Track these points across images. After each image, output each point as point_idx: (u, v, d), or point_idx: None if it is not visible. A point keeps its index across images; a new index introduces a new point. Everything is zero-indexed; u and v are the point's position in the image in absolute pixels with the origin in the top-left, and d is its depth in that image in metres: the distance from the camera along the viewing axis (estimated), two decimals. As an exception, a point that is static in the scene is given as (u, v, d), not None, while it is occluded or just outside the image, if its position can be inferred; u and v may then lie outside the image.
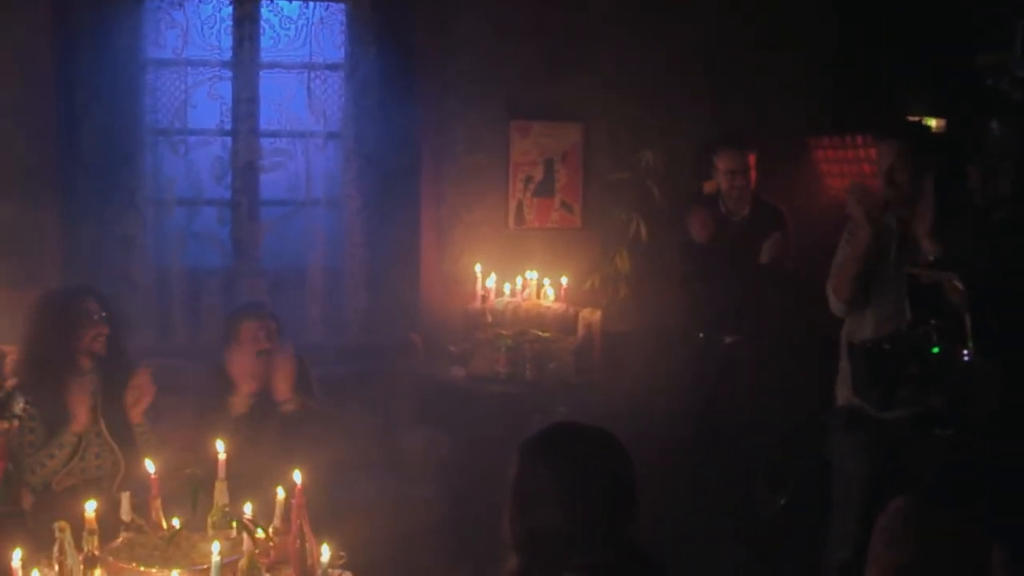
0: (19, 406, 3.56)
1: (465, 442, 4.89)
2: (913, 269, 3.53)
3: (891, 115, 5.81)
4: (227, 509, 3.36)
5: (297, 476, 3.24)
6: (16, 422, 3.58)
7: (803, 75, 5.94)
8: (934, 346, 3.35)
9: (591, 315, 5.25)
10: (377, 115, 5.42)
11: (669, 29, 5.75)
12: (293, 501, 3.21)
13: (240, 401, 4.18)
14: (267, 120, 5.37)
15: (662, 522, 2.41)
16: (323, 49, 5.39)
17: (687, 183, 5.61)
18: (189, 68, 5.25)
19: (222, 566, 2.84)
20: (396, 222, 5.54)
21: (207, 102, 5.30)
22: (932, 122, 6.05)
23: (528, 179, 5.77)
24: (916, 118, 5.96)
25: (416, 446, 4.83)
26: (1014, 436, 3.34)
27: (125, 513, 3.36)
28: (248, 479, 3.46)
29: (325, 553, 3.18)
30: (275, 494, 3.38)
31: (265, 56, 5.33)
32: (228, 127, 5.31)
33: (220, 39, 5.27)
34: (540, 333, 5.15)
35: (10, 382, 3.91)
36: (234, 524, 3.31)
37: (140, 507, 3.43)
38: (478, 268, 5.41)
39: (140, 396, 4.00)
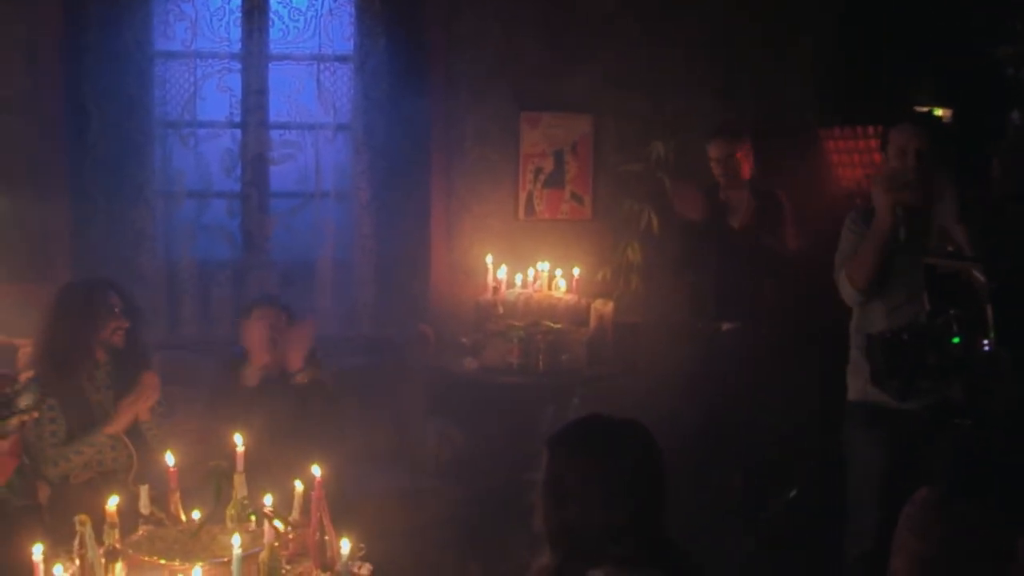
0: (26, 402, 3.54)
1: (478, 434, 4.89)
2: (931, 259, 3.50)
3: (901, 105, 5.82)
4: (246, 502, 3.36)
5: (316, 470, 3.24)
6: (31, 415, 3.56)
7: (812, 66, 5.92)
8: (954, 336, 3.33)
9: (603, 306, 5.24)
10: (387, 107, 5.40)
11: (678, 21, 5.74)
12: (313, 494, 3.21)
13: (252, 373, 4.18)
14: (276, 112, 5.35)
15: (669, 516, 2.40)
16: (332, 41, 5.37)
17: (698, 174, 5.59)
18: (198, 60, 5.23)
19: (243, 559, 2.84)
20: (406, 214, 5.53)
21: (216, 94, 5.28)
22: (939, 112, 6.05)
23: (538, 170, 5.76)
24: (924, 108, 5.97)
25: (428, 438, 4.82)
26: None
27: (144, 506, 3.36)
28: (267, 463, 3.47)
29: (345, 546, 3.18)
30: (294, 487, 3.38)
31: (274, 48, 5.31)
32: (237, 119, 5.29)
33: (229, 31, 5.25)
34: (552, 324, 5.14)
35: (24, 375, 3.90)
36: (252, 517, 3.31)
37: (157, 500, 3.43)
38: (489, 259, 5.40)
39: (146, 395, 3.99)
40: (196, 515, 3.29)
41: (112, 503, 3.03)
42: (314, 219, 5.42)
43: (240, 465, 3.39)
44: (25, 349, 4.45)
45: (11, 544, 3.30)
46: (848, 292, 3.86)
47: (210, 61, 5.25)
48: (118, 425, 3.96)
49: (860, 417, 3.86)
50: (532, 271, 5.44)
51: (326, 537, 3.20)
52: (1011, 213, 3.84)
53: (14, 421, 3.41)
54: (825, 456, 5.28)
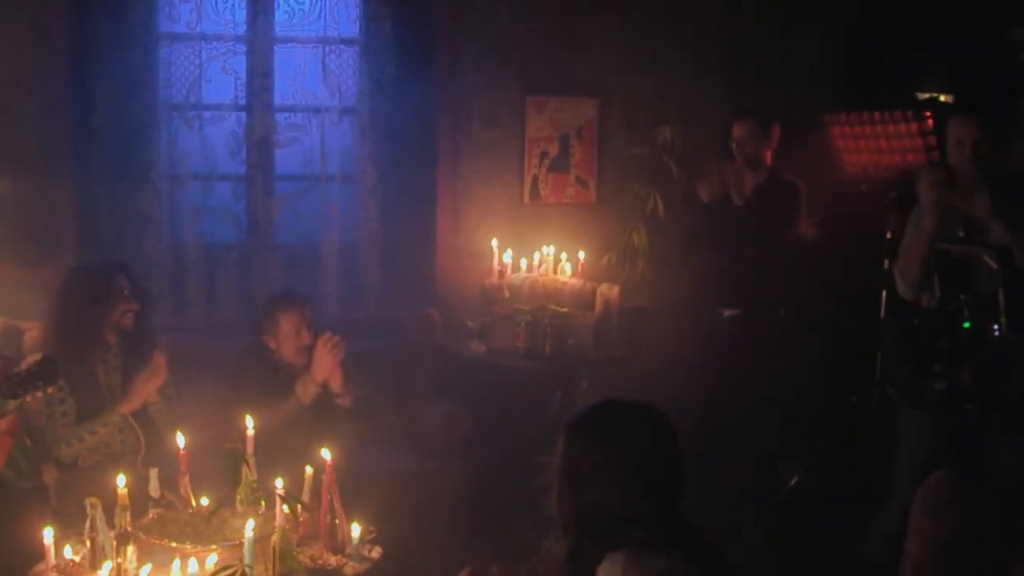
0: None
1: (485, 417, 4.89)
2: (943, 245, 3.51)
3: (906, 91, 5.81)
4: (255, 485, 3.36)
5: (326, 453, 3.24)
6: (36, 396, 3.56)
7: (819, 52, 5.91)
8: (965, 321, 3.34)
9: (609, 290, 5.23)
10: (392, 90, 5.38)
11: (685, 6, 5.72)
12: (323, 477, 3.22)
13: (307, 390, 4.14)
14: (282, 95, 5.32)
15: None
16: (338, 24, 5.34)
17: (704, 159, 5.58)
18: (203, 43, 5.19)
19: (255, 542, 2.84)
20: (411, 197, 5.52)
21: (221, 77, 5.24)
22: (944, 98, 6.05)
23: (543, 154, 5.75)
24: (927, 95, 5.97)
25: (436, 421, 4.82)
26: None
27: (154, 489, 3.36)
28: (287, 457, 3.47)
29: (355, 530, 3.19)
30: (303, 470, 3.38)
31: (280, 31, 5.28)
32: (243, 102, 5.27)
33: (234, 13, 5.21)
34: (558, 308, 5.14)
35: (30, 358, 3.90)
36: (263, 501, 3.32)
37: (166, 483, 3.43)
38: (495, 243, 5.39)
39: (154, 376, 3.98)
40: (204, 501, 3.29)
41: (121, 483, 3.04)
42: (319, 202, 5.41)
43: (250, 448, 3.39)
44: (31, 332, 4.45)
45: (18, 527, 3.31)
46: (899, 286, 3.86)
47: (215, 44, 5.22)
48: (132, 403, 3.95)
49: (908, 400, 3.84)
50: (537, 255, 5.43)
51: (336, 520, 3.21)
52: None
53: (13, 403, 3.39)
54: (830, 443, 5.32)
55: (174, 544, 3.08)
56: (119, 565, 2.92)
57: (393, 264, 5.48)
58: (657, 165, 5.62)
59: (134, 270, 4.19)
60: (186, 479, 3.39)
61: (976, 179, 3.64)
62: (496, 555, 4.29)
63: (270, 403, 3.97)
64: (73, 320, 3.95)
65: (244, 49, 5.25)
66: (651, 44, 5.70)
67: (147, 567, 2.94)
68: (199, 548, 3.06)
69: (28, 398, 3.32)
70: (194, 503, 3.33)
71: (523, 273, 5.35)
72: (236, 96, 5.27)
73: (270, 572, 2.94)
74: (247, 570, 2.80)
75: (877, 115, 5.35)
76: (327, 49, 5.36)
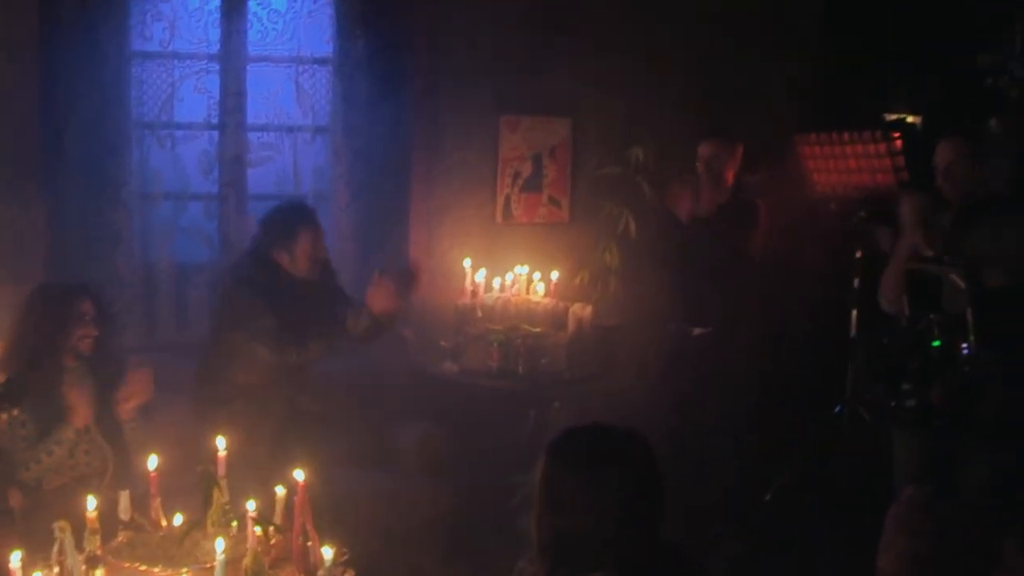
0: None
1: (459, 437, 4.88)
2: (913, 264, 3.55)
3: (875, 112, 5.87)
4: (227, 507, 3.33)
5: (299, 474, 3.22)
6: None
7: (790, 73, 5.96)
8: (935, 340, 3.37)
9: (582, 310, 5.24)
10: (366, 109, 5.38)
11: (659, 26, 5.77)
12: (296, 498, 3.19)
13: (362, 323, 4.24)
14: (255, 114, 5.31)
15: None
16: (311, 43, 5.35)
17: (674, 178, 5.61)
18: (176, 61, 5.18)
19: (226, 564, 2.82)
20: (385, 217, 5.51)
21: (194, 95, 5.23)
22: (911, 119, 6.12)
23: (516, 174, 5.77)
24: (895, 116, 6.03)
25: (410, 441, 4.81)
26: (1017, 430, 3.37)
27: (124, 511, 3.32)
28: (259, 478, 3.44)
29: (328, 552, 3.16)
30: (275, 491, 3.36)
31: (253, 49, 5.27)
32: (215, 121, 5.25)
33: (207, 32, 5.20)
34: (531, 328, 5.14)
35: (-2, 377, 3.86)
36: (235, 522, 3.29)
37: (137, 504, 3.39)
38: (467, 263, 5.39)
39: (136, 393, 3.95)
40: (177, 519, 3.26)
41: (91, 506, 3.00)
42: (293, 222, 5.39)
43: (222, 469, 3.36)
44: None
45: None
46: (881, 302, 3.93)
47: (188, 62, 5.21)
48: (77, 416, 3.88)
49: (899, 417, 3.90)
50: (510, 275, 5.44)
51: (309, 542, 3.18)
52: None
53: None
54: (805, 459, 5.35)
55: (144, 567, 3.04)
56: (89, 589, 2.89)
57: (367, 284, 5.45)
58: (630, 185, 5.65)
59: (102, 293, 4.15)
60: (157, 501, 3.35)
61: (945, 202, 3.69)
62: (472, 576, 4.29)
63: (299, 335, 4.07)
64: (30, 342, 3.90)
65: (217, 68, 5.23)
66: (624, 64, 5.72)
67: (117, 590, 2.91)
68: (170, 571, 3.02)
69: None
70: (165, 523, 3.30)
71: (496, 293, 5.35)
72: (209, 115, 5.25)
73: (242, 594, 2.91)
74: (219, 593, 2.77)
75: (847, 135, 5.39)
76: (300, 68, 5.37)
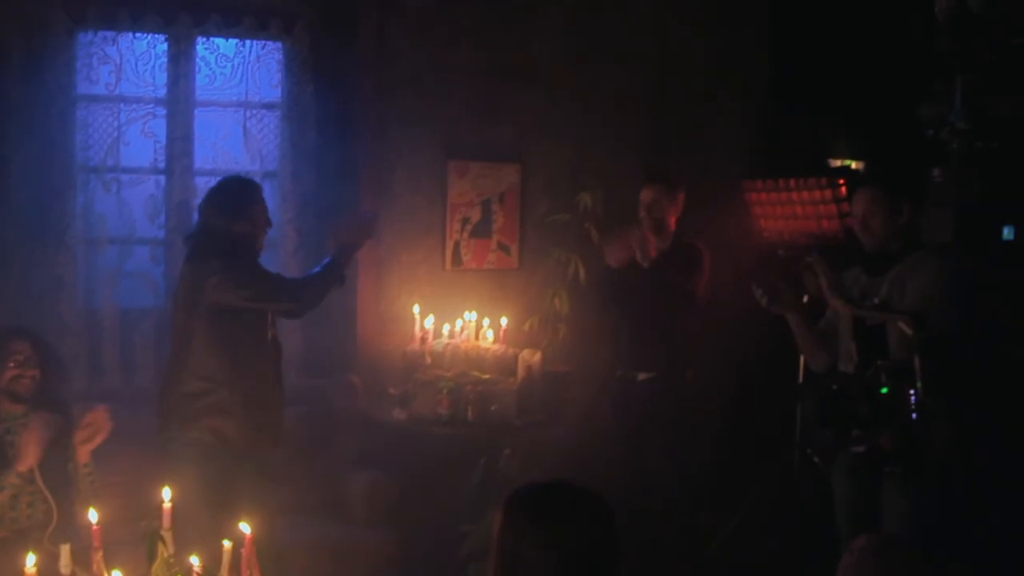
0: None
1: (408, 484, 4.83)
2: (860, 312, 3.59)
3: (819, 158, 5.97)
4: (171, 561, 3.25)
5: (245, 527, 3.16)
6: None
7: (737, 120, 6.05)
8: (883, 386, 3.40)
9: (531, 356, 5.24)
10: (314, 155, 5.38)
11: (608, 74, 5.84)
12: (243, 551, 3.13)
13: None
14: (202, 159, 5.27)
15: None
16: (260, 88, 5.34)
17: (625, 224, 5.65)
18: (122, 104, 5.13)
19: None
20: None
21: (140, 139, 5.18)
22: (853, 164, 6.23)
23: (465, 220, 5.77)
24: (840, 162, 6.14)
25: (358, 489, 4.76)
26: (960, 468, 3.41)
27: (65, 566, 3.23)
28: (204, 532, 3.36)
29: (276, 604, 3.10)
30: (221, 545, 3.29)
31: (200, 94, 5.24)
32: (162, 165, 5.21)
33: (154, 76, 5.17)
34: (480, 375, 5.12)
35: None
36: None
37: (78, 558, 3.31)
38: (416, 309, 5.37)
39: (94, 434, 3.87)
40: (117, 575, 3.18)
41: (30, 562, 2.92)
42: (240, 267, 5.34)
43: (166, 522, 3.29)
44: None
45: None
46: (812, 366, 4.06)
47: (134, 106, 5.16)
48: (26, 460, 3.79)
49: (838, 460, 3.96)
50: (460, 321, 5.42)
51: (256, 595, 3.12)
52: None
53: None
54: (754, 503, 5.37)
55: (85, 623, 2.96)
56: (28, 647, 2.80)
57: (314, 330, 5.42)
58: (578, 231, 5.67)
59: (41, 337, 4.07)
60: (99, 555, 3.26)
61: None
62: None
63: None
64: None
65: (164, 112, 5.20)
66: (572, 111, 5.79)
67: (57, 649, 2.82)
68: (112, 627, 2.94)
69: None
70: (107, 579, 3.21)
71: (445, 339, 5.33)
72: (155, 159, 5.21)
73: (187, 651, 2.84)
74: (163, 650, 2.70)
75: (792, 182, 5.47)
76: (248, 113, 5.34)
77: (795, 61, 5.90)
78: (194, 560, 3.02)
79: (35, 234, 4.99)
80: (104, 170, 5.12)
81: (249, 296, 4.01)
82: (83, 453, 3.91)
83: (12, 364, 3.90)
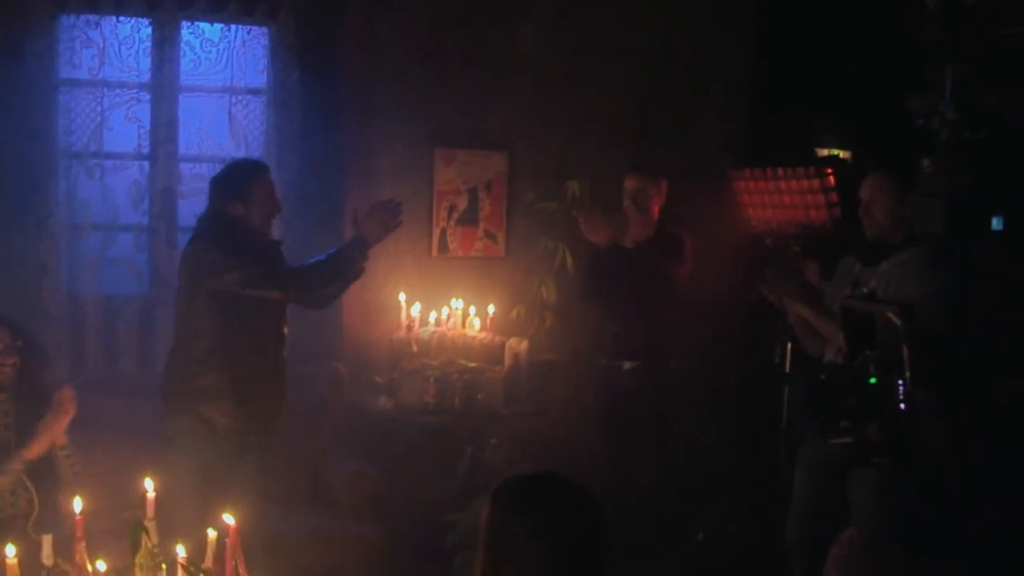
0: None
1: (394, 474, 4.81)
2: (848, 302, 3.57)
3: (807, 148, 5.97)
4: (156, 550, 3.23)
5: (229, 517, 3.14)
6: None
7: (725, 110, 6.03)
8: (871, 377, 3.39)
9: (518, 344, 5.23)
10: (300, 141, 5.32)
11: (595, 62, 5.80)
12: (227, 541, 3.10)
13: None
14: (187, 145, 5.23)
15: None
16: (245, 73, 5.28)
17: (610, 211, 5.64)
18: (106, 89, 5.07)
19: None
20: (319, 249, 5.38)
21: (124, 125, 5.13)
22: (840, 153, 6.23)
23: (452, 208, 5.74)
24: (828, 151, 6.13)
25: (344, 479, 4.73)
26: (954, 465, 3.40)
27: (47, 557, 3.20)
28: (189, 521, 3.33)
29: (261, 595, 3.08)
30: (206, 534, 3.26)
31: (185, 79, 5.19)
32: (146, 151, 5.16)
33: (138, 60, 5.11)
34: (467, 363, 5.10)
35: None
36: (164, 566, 3.19)
37: (60, 548, 3.28)
38: (403, 297, 5.35)
39: (59, 414, 3.84)
40: (101, 565, 3.15)
41: (11, 553, 2.88)
42: (224, 254, 5.30)
43: (150, 512, 3.26)
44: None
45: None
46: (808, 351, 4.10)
47: (118, 91, 5.10)
48: (37, 447, 3.79)
49: (803, 449, 4.04)
50: (446, 309, 5.40)
51: (242, 586, 3.10)
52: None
53: None
54: (743, 492, 5.37)
55: (68, 614, 2.94)
56: (9, 639, 2.77)
57: (300, 318, 5.36)
58: (566, 219, 5.65)
59: (22, 324, 4.03)
60: (82, 545, 3.23)
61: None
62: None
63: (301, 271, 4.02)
64: None
65: (148, 97, 5.15)
66: (561, 102, 5.76)
67: (40, 640, 2.79)
68: (95, 618, 2.92)
69: None
70: (90, 569, 3.18)
71: (432, 327, 5.31)
72: (139, 145, 5.16)
73: (172, 642, 2.82)
74: (147, 641, 2.68)
75: (780, 171, 5.46)
76: (234, 99, 5.29)
77: (784, 51, 5.88)
78: (180, 550, 3.00)
79: (17, 220, 4.94)
80: (87, 156, 5.07)
81: (236, 279, 3.93)
82: (58, 435, 3.88)
83: None
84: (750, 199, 5.67)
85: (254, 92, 5.32)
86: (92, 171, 5.08)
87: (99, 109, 5.08)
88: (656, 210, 5.08)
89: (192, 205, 5.22)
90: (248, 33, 5.28)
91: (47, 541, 3.21)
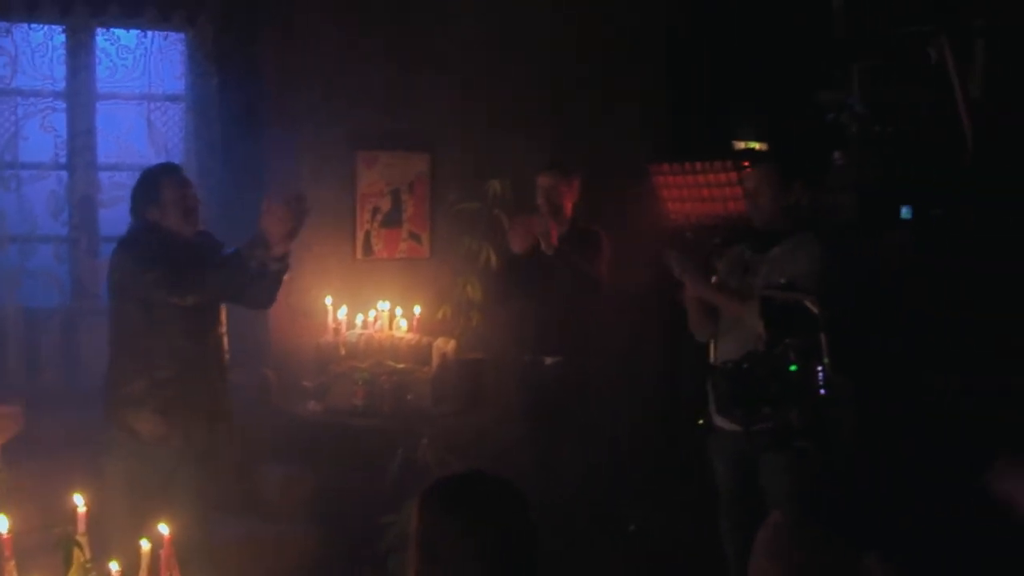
0: None
1: (326, 477, 4.81)
2: (767, 292, 3.67)
3: (723, 141, 6.08)
4: (88, 566, 3.20)
5: (164, 528, 3.13)
6: None
7: (642, 106, 6.13)
8: (791, 364, 3.48)
9: (445, 344, 5.25)
10: (220, 147, 5.30)
11: (514, 62, 5.86)
12: (161, 552, 3.10)
13: (256, 254, 3.97)
14: (105, 153, 5.18)
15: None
16: (163, 80, 5.25)
17: (532, 211, 5.69)
18: (19, 98, 5.01)
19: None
20: (243, 257, 5.40)
21: (40, 134, 5.07)
22: (756, 146, 6.35)
23: (375, 210, 5.76)
24: (744, 144, 6.25)
25: (275, 484, 4.73)
26: (870, 448, 3.51)
27: (-25, 576, 3.16)
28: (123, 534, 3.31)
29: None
30: (139, 547, 3.25)
31: (102, 86, 5.15)
32: (64, 161, 5.10)
33: (53, 68, 5.06)
34: (395, 364, 5.12)
35: None
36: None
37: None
38: (329, 300, 5.34)
39: None
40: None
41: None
42: (147, 264, 5.24)
43: (81, 527, 3.24)
44: None
45: None
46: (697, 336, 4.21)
47: (32, 99, 5.05)
48: None
49: (712, 441, 4.15)
50: (373, 311, 5.41)
51: (177, 597, 3.09)
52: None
53: None
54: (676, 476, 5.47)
55: (1, 633, 2.91)
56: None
57: (226, 325, 5.34)
58: (488, 218, 5.69)
59: None
60: (11, 564, 3.20)
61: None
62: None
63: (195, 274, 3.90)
64: None
65: (64, 105, 5.10)
66: (481, 101, 5.80)
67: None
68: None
69: None
70: (21, 588, 3.15)
71: (359, 330, 5.32)
72: (57, 154, 5.10)
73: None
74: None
75: (698, 165, 5.56)
76: (152, 106, 5.26)
77: (701, 46, 5.99)
78: (113, 565, 2.98)
79: (-69, 233, 4.85)
80: (2, 166, 5.00)
81: (151, 285, 3.91)
82: None
83: None
84: (669, 193, 5.77)
85: (172, 99, 5.28)
86: (7, 182, 5.01)
87: (13, 118, 5.02)
88: (569, 207, 5.15)
89: (113, 214, 5.17)
90: (165, 39, 5.25)
91: (-25, 562, 3.17)
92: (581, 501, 5.20)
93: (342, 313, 5.33)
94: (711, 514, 4.22)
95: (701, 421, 4.08)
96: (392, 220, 5.79)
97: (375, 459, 5.03)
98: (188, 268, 3.95)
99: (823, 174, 3.94)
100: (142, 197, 4.07)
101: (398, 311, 5.42)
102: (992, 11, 3.53)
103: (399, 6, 5.70)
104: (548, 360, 5.14)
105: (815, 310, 3.49)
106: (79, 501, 3.24)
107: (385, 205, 5.77)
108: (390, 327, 5.38)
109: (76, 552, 3.08)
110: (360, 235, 5.73)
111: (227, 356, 4.23)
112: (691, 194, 5.66)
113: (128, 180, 5.14)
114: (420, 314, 5.42)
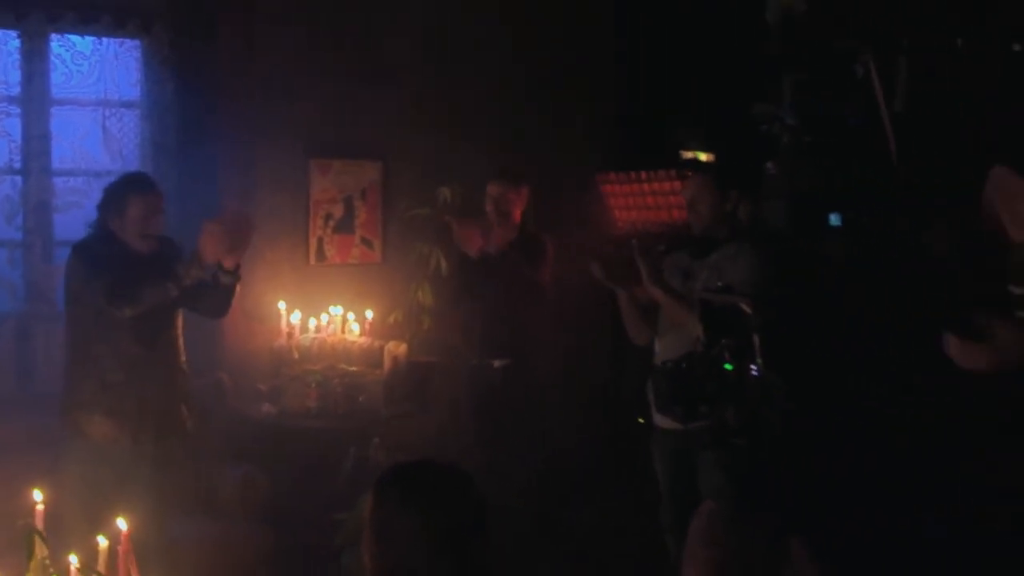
0: None
1: (281, 478, 4.90)
2: (705, 294, 3.83)
3: (669, 151, 6.24)
4: (47, 561, 3.27)
5: (122, 523, 3.21)
6: None
7: (590, 116, 6.28)
8: (726, 363, 3.64)
9: (396, 347, 5.37)
10: (176, 154, 5.36)
11: (464, 71, 5.97)
12: (119, 548, 3.17)
13: (192, 273, 4.03)
14: (60, 159, 5.22)
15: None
16: (118, 86, 5.31)
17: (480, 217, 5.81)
18: (-27, 104, 5.06)
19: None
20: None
21: (-6, 139, 5.12)
22: (703, 156, 6.51)
23: (328, 216, 5.85)
24: (691, 153, 6.41)
25: (231, 485, 4.80)
26: (798, 441, 3.66)
27: (-63, 572, 3.22)
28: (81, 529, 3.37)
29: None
30: (97, 542, 3.32)
31: (57, 92, 5.19)
32: (18, 165, 5.14)
33: (7, 73, 5.10)
34: (347, 367, 5.23)
35: None
36: None
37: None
38: (282, 305, 5.44)
39: None
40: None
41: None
42: (103, 268, 5.30)
43: (40, 522, 3.31)
44: None
45: None
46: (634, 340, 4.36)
47: (-14, 105, 5.09)
48: None
49: (653, 440, 4.31)
50: (325, 316, 5.51)
51: (135, 591, 3.17)
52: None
53: None
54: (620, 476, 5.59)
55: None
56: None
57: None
58: (439, 225, 5.81)
59: None
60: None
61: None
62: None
63: (132, 287, 3.92)
64: None
65: (19, 111, 5.13)
66: (432, 109, 5.90)
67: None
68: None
69: None
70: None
71: (312, 334, 5.42)
72: (11, 159, 5.14)
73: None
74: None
75: (644, 174, 5.71)
76: (107, 112, 5.31)
77: (647, 58, 6.14)
78: (72, 559, 3.06)
79: None
80: (-44, 171, 5.04)
81: (99, 289, 3.97)
82: None
83: None
84: (616, 201, 5.92)
85: (128, 105, 5.34)
86: (-39, 187, 5.05)
87: (-33, 124, 5.05)
88: (517, 215, 5.26)
89: (68, 219, 5.23)
90: (121, 46, 5.31)
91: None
92: (528, 500, 5.32)
93: (295, 317, 5.43)
94: (653, 509, 4.37)
95: (641, 419, 4.23)
96: (345, 226, 5.89)
97: (328, 459, 5.13)
98: (128, 282, 3.99)
99: (757, 183, 4.10)
100: (108, 203, 4.14)
101: (350, 315, 5.53)
102: (915, 31, 3.71)
103: (353, 18, 5.80)
104: (496, 363, 5.26)
105: (749, 311, 3.65)
106: (38, 496, 3.32)
107: (338, 212, 5.87)
108: (342, 331, 5.49)
109: (38, 543, 3.15)
110: (313, 241, 5.82)
111: (183, 358, 4.30)
112: (637, 202, 5.81)
113: (83, 185, 5.25)
114: (372, 318, 5.53)
